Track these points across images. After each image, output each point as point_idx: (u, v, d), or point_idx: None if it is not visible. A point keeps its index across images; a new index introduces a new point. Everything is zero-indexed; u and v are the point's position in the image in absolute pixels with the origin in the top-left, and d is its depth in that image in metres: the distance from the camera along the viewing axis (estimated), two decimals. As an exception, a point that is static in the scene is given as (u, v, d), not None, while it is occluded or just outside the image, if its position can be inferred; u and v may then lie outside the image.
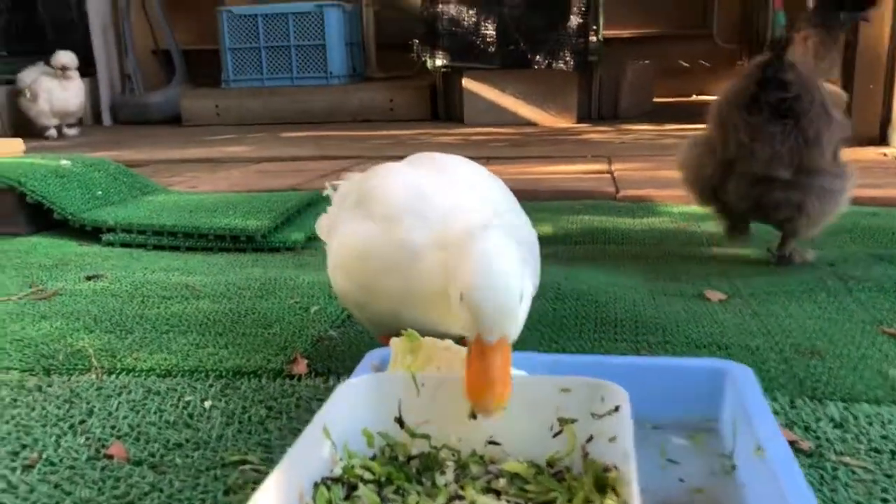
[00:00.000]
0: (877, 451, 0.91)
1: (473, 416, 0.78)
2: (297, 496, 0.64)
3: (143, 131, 5.47)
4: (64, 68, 4.91)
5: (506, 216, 0.92)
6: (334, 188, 1.22)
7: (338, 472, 0.73)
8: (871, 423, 0.97)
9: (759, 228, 1.84)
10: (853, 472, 0.86)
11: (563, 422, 0.76)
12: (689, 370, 0.88)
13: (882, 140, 3.62)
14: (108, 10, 6.12)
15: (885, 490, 0.82)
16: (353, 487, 0.71)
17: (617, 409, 0.73)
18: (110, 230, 2.14)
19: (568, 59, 4.82)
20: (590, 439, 0.75)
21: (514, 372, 0.78)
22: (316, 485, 0.69)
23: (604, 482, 0.70)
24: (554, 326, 1.34)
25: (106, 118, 6.12)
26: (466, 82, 5.06)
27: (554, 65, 4.84)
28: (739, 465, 0.78)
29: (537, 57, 4.87)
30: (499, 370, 0.71)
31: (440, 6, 4.99)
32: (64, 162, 2.44)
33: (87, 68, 5.64)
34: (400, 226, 0.91)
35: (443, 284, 0.85)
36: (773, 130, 1.55)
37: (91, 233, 2.15)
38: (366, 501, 0.69)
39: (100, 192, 2.37)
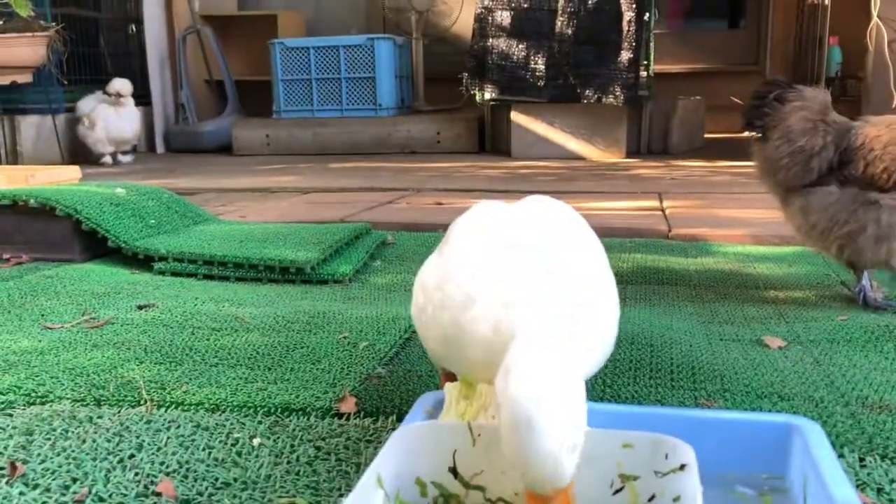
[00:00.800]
0: (956, 517, 0.85)
1: (530, 468, 0.75)
2: (351, 549, 0.62)
3: (195, 159, 5.58)
4: (118, 95, 5.05)
5: (584, 302, 0.86)
6: None
7: (390, 525, 0.71)
8: (948, 487, 0.92)
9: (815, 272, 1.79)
10: (932, 541, 0.81)
11: (624, 478, 0.73)
12: (755, 425, 0.85)
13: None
14: (164, 42, 6.29)
15: (967, 562, 0.77)
16: (407, 539, 0.69)
17: (683, 467, 0.69)
18: (162, 259, 2.16)
19: (618, 93, 4.79)
20: (652, 498, 0.72)
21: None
22: (368, 537, 0.67)
23: (667, 544, 0.67)
24: (607, 371, 1.31)
25: (159, 146, 6.25)
26: (514, 115, 5.06)
27: (604, 99, 4.82)
28: (811, 530, 0.74)
29: (587, 91, 4.85)
30: None
31: (490, 40, 5.01)
32: (119, 190, 2.49)
33: (142, 98, 5.79)
34: (460, 270, 0.88)
35: (490, 339, 0.81)
36: None
37: (143, 261, 2.18)
38: (419, 554, 0.67)
39: (153, 221, 2.40)
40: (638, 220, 2.80)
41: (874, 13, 3.62)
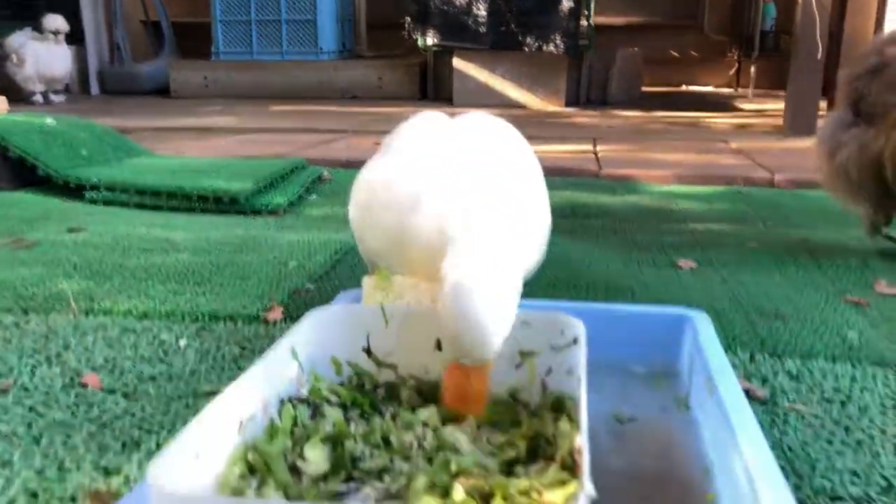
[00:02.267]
0: (828, 401, 0.94)
1: (439, 346, 0.80)
2: (262, 406, 0.67)
3: (131, 101, 5.44)
4: (56, 32, 4.89)
5: (520, 197, 0.91)
6: None
7: (304, 393, 0.75)
8: (825, 377, 1.00)
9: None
10: (803, 418, 0.89)
11: (524, 355, 0.79)
12: (651, 317, 0.91)
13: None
14: (98, -22, 6.07)
15: (831, 433, 0.85)
16: (319, 409, 0.74)
17: (575, 341, 0.75)
18: (94, 188, 2.14)
19: (559, 42, 4.82)
20: (549, 371, 0.78)
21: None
22: (282, 402, 0.71)
23: (560, 410, 0.73)
24: (526, 287, 1.36)
25: (93, 87, 6.07)
26: (457, 62, 5.06)
27: (545, 47, 4.85)
28: (693, 404, 0.81)
29: (528, 39, 4.88)
30: (476, 387, 0.71)
31: (432, -15, 4.98)
32: (49, 120, 2.44)
33: (75, 37, 5.60)
34: (407, 171, 0.90)
35: (434, 240, 0.85)
36: None
37: (74, 191, 2.16)
38: (331, 421, 0.72)
39: (84, 152, 2.37)
40: (571, 161, 2.86)
41: (803, -35, 3.71)
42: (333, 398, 0.75)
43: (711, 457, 0.69)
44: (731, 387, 0.70)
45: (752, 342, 1.12)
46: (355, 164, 2.79)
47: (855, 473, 0.77)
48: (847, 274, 1.51)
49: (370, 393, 0.79)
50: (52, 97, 5.19)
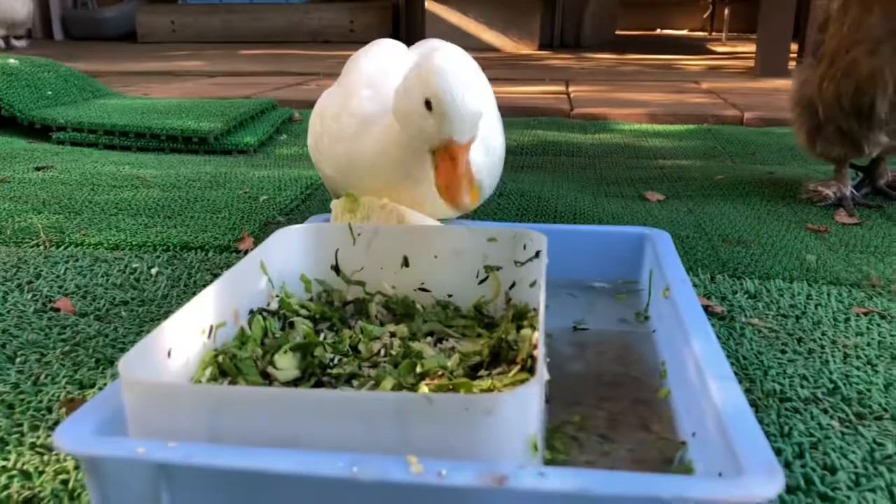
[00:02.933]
0: (783, 315, 0.97)
1: (406, 263, 0.82)
2: (233, 314, 0.68)
3: (96, 46, 5.33)
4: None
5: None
6: None
7: (273, 306, 0.77)
8: (781, 295, 1.04)
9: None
10: (759, 331, 0.92)
11: (488, 269, 0.81)
12: (614, 234, 0.94)
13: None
14: (58, -81, 5.89)
15: (784, 344, 0.89)
16: (289, 321, 0.76)
17: (537, 254, 0.77)
18: (60, 129, 2.12)
19: (531, -16, 4.78)
20: (512, 285, 0.80)
21: (440, 222, 0.82)
22: (252, 312, 0.73)
23: (522, 320, 0.76)
24: (496, 217, 1.39)
25: (57, 32, 5.94)
26: (429, 5, 5.00)
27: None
28: (652, 314, 0.84)
29: (501, -19, 4.83)
30: (468, 168, 0.78)
31: (404, -75, 4.89)
32: (11, 61, 2.39)
33: (37, -21, 5.45)
34: (354, 97, 0.94)
35: (385, 148, 0.88)
36: None
37: (40, 131, 2.13)
38: (300, 331, 0.74)
39: (49, 93, 2.33)
40: (543, 102, 2.86)
41: None
42: (303, 311, 0.77)
43: (665, 358, 0.72)
44: (685, 293, 0.73)
45: (714, 265, 1.15)
46: (327, 106, 2.78)
47: (804, 378, 0.80)
48: (809, 205, 1.54)
49: (339, 308, 0.81)
50: (14, 42, 5.07)
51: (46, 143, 2.08)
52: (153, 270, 1.09)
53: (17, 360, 0.82)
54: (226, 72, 3.77)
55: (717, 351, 0.61)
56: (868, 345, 0.89)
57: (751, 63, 3.97)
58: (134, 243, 1.21)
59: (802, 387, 0.78)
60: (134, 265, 1.11)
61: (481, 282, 0.81)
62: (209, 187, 1.58)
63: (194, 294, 1.00)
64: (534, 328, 0.73)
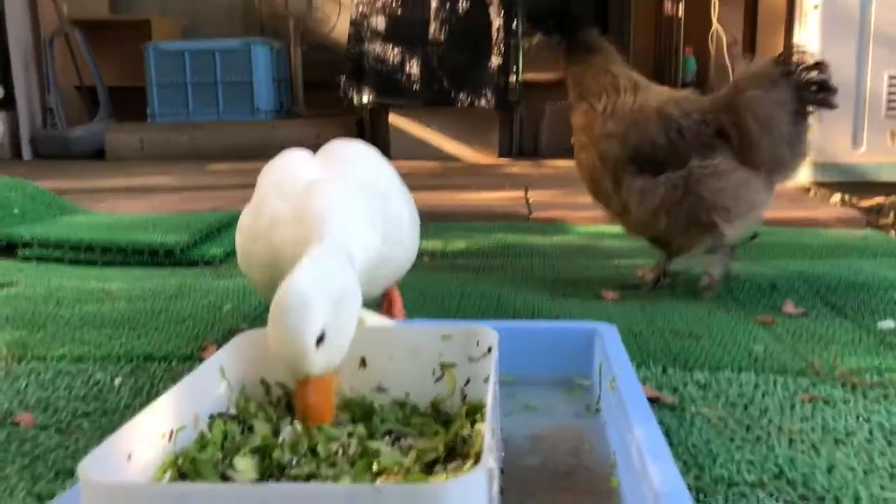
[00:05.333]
0: (732, 404, 1.01)
1: (363, 364, 0.85)
2: (193, 418, 0.70)
3: (65, 165, 5.40)
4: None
5: (368, 187, 1.00)
6: None
7: (233, 411, 0.78)
8: (730, 385, 1.08)
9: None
10: (708, 420, 0.96)
11: (444, 367, 0.84)
12: (564, 330, 0.98)
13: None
14: (29, 44, 6.06)
15: (733, 431, 0.92)
16: (249, 426, 0.77)
17: (489, 350, 0.81)
18: (26, 245, 2.14)
19: (489, 97, 4.98)
20: (467, 382, 0.83)
21: (397, 321, 0.85)
22: (212, 417, 0.74)
23: (476, 416, 0.78)
24: (455, 316, 1.42)
25: (26, 152, 6.00)
26: (392, 118, 5.18)
27: (476, 103, 5.01)
28: (603, 407, 0.87)
29: (460, 95, 5.03)
30: (313, 400, 0.75)
31: (366, 44, 5.12)
32: (-20, 181, 2.43)
33: (7, 102, 5.57)
34: (264, 202, 0.99)
35: (297, 254, 0.91)
36: None
37: (6, 249, 2.15)
38: (259, 435, 0.75)
39: (16, 211, 2.36)
40: (503, 207, 2.96)
41: (713, 19, 3.95)
42: (263, 416, 0.79)
43: (615, 448, 0.75)
44: (629, 383, 0.76)
45: (665, 357, 1.19)
46: (292, 217, 2.83)
47: (751, 463, 0.83)
48: (758, 297, 1.60)
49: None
50: (-17, 162, 5.12)
51: (11, 259, 2.10)
52: (116, 381, 1.11)
53: (-24, 474, 0.82)
54: (193, 186, 3.84)
55: (656, 437, 0.64)
56: (812, 430, 0.93)
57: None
58: (98, 355, 1.23)
59: (749, 472, 0.81)
60: (97, 377, 1.12)
61: (437, 379, 0.84)
62: (174, 298, 1.60)
63: (157, 403, 1.01)
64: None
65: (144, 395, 1.05)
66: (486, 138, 5.19)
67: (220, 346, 1.25)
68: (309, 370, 0.74)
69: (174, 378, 1.12)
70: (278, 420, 0.79)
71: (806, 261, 2.00)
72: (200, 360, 1.21)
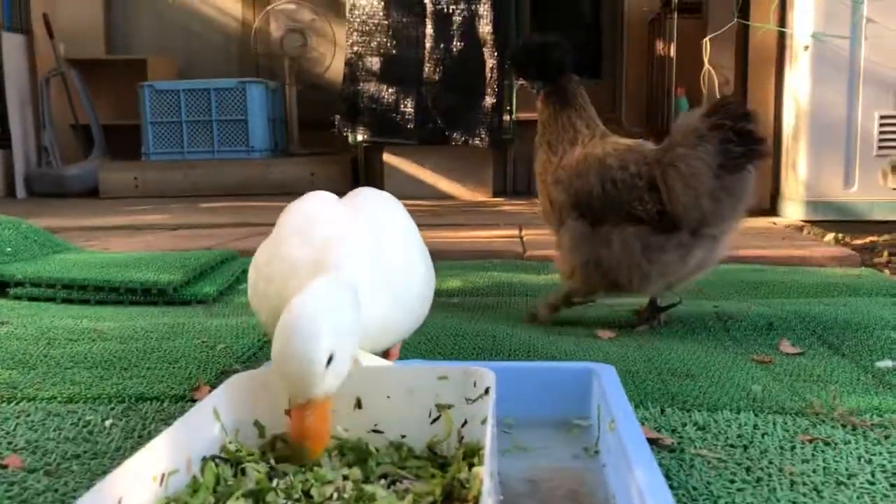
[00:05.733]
0: (731, 446, 1.00)
1: (359, 405, 0.84)
2: (185, 462, 0.69)
3: (59, 202, 5.40)
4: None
5: (384, 251, 1.00)
6: None
7: (225, 455, 0.77)
8: (729, 426, 1.07)
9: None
10: (708, 462, 0.94)
11: (440, 408, 0.83)
12: (561, 371, 0.97)
13: (773, 210, 3.88)
14: (26, 83, 6.10)
15: (733, 473, 0.91)
16: (241, 468, 0.76)
17: (487, 391, 0.80)
18: (18, 284, 2.13)
19: (483, 136, 5.02)
20: (464, 423, 0.82)
21: (392, 362, 0.84)
22: (204, 459, 0.73)
23: (473, 459, 0.77)
24: (451, 356, 1.41)
25: (20, 190, 6.01)
26: (387, 157, 5.21)
27: (470, 141, 5.04)
28: (602, 449, 0.86)
29: (454, 134, 5.07)
30: (311, 426, 0.75)
31: (361, 84, 5.16)
32: (-28, 219, 2.42)
33: (1, 141, 5.59)
34: (284, 245, 0.99)
35: None
36: None
37: (-2, 287, 2.14)
38: (253, 479, 0.74)
39: (9, 249, 2.35)
40: (498, 245, 2.96)
41: (705, 60, 4.00)
42: (255, 458, 0.78)
43: (614, 491, 0.74)
44: (629, 425, 0.75)
45: (664, 398, 1.18)
46: (286, 255, 2.83)
47: (752, 506, 0.82)
48: (754, 336, 1.60)
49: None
50: (-23, 201, 5.12)
51: (2, 298, 2.08)
52: (107, 423, 1.09)
53: (-38, 519, 0.80)
54: (188, 224, 3.84)
55: (658, 480, 0.63)
56: (814, 471, 0.91)
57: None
58: (88, 396, 1.21)
59: (751, 515, 0.80)
60: (88, 418, 1.10)
61: (434, 421, 0.83)
62: (166, 338, 1.58)
63: (148, 445, 1.00)
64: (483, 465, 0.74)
65: (136, 437, 1.03)
66: (480, 177, 5.21)
67: (212, 386, 1.24)
68: (315, 392, 0.74)
69: (166, 419, 1.10)
70: (272, 463, 0.78)
71: (801, 299, 2.01)
72: (192, 400, 1.19)
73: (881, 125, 3.46)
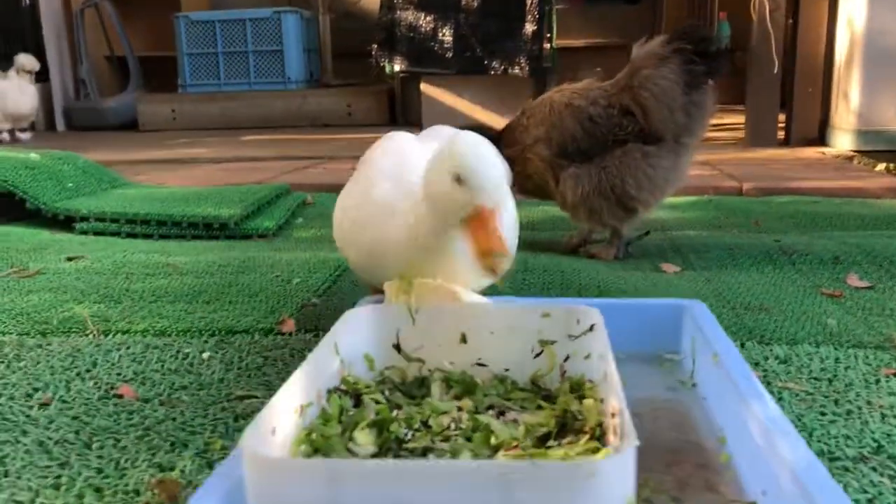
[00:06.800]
0: (816, 379, 1.02)
1: (464, 340, 0.87)
2: (316, 395, 0.72)
3: (99, 136, 5.45)
4: (28, 70, 4.92)
5: None
6: None
7: (344, 386, 0.81)
8: (811, 360, 1.09)
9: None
10: (796, 395, 0.97)
11: (543, 343, 0.85)
12: (654, 307, 0.99)
13: (821, 140, 3.82)
14: (60, 16, 6.09)
15: (823, 406, 0.93)
16: (359, 399, 0.80)
17: (592, 328, 0.82)
18: (84, 219, 2.18)
19: (523, 65, 4.95)
20: (567, 358, 0.84)
21: (496, 300, 0.87)
22: (329, 392, 0.77)
23: (581, 392, 0.80)
24: (522, 292, 1.44)
25: (59, 123, 6.06)
26: (424, 87, 5.16)
27: (510, 70, 4.98)
28: (698, 381, 0.89)
29: (493, 63, 5.00)
30: (500, 231, 0.83)
31: (398, 12, 5.08)
32: (33, 155, 2.47)
33: (40, 74, 5.61)
34: (376, 188, 1.00)
35: (413, 231, 0.93)
36: None
37: (64, 222, 2.19)
38: (371, 409, 0.78)
39: (70, 185, 2.40)
40: (546, 178, 2.95)
41: (755, -16, 3.88)
42: (372, 389, 0.81)
43: (722, 424, 0.76)
44: (735, 360, 0.78)
45: (742, 332, 1.20)
46: (336, 189, 2.85)
47: (848, 437, 0.84)
48: (820, 270, 1.60)
49: (400, 386, 0.85)
50: (19, 135, 5.18)
51: (70, 233, 2.14)
52: (204, 355, 1.13)
53: (94, 445, 0.85)
54: (231, 157, 3.87)
55: (777, 412, 0.65)
56: (902, 404, 0.93)
57: (740, 134, 4.10)
58: (179, 329, 1.25)
59: (848, 446, 0.82)
60: (186, 350, 1.15)
61: (536, 356, 0.86)
62: (240, 272, 1.62)
63: (249, 378, 1.04)
64: (596, 399, 0.77)
65: (235, 369, 1.08)
66: (518, 106, 5.17)
67: (296, 319, 1.28)
68: (502, 200, 0.85)
69: (260, 351, 1.15)
70: (386, 394, 0.82)
71: (862, 232, 2.00)
72: (280, 333, 1.24)
73: (938, 51, 3.35)
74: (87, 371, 1.07)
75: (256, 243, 2.05)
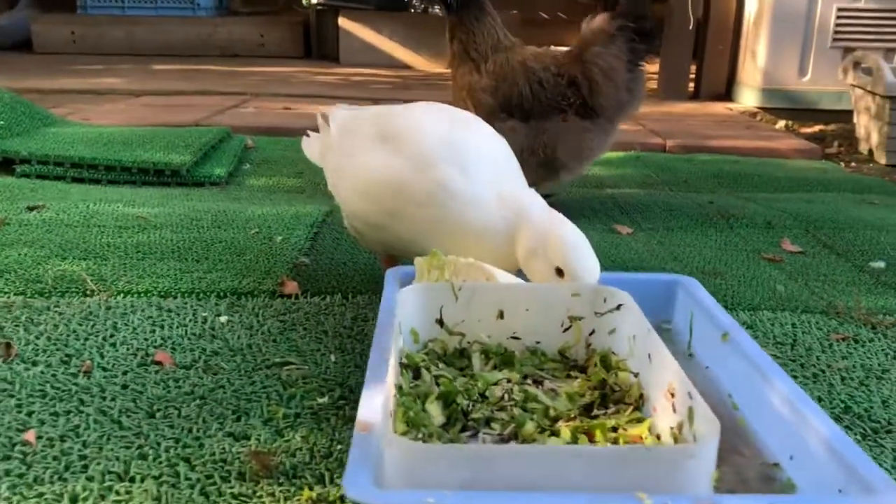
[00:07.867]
0: (781, 343, 1.17)
1: (501, 316, 0.96)
2: (395, 372, 0.80)
3: (-10, 56, 5.10)
4: None
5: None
6: (324, 116, 1.32)
7: (404, 360, 0.89)
8: (773, 325, 1.24)
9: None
10: (768, 359, 1.12)
11: (572, 319, 0.96)
12: (648, 281, 1.10)
13: (727, 96, 4.05)
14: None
15: (793, 370, 1.08)
16: (417, 371, 0.88)
17: (619, 307, 0.93)
18: (24, 161, 2.11)
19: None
20: (592, 332, 0.95)
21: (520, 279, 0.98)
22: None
23: (608, 362, 0.91)
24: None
25: (-59, 40, 5.61)
26: (343, 21, 5.09)
27: (429, 10, 4.97)
28: (697, 352, 1.01)
29: (414, 0, 4.98)
30: None
31: (317, -57, 4.96)
32: (-43, 89, 2.34)
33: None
34: (435, 169, 1.06)
35: (497, 233, 1.06)
36: None
37: (1, 164, 2.11)
38: (429, 381, 0.86)
39: (1, 122, 2.30)
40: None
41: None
42: (426, 363, 0.90)
43: (731, 391, 0.89)
44: (743, 336, 0.90)
45: (707, 297, 1.34)
46: (275, 132, 2.84)
47: (821, 399, 1.00)
48: (756, 234, 1.77)
49: (443, 357, 0.94)
50: None
51: (10, 176, 2.07)
52: (222, 318, 1.18)
53: (158, 414, 0.90)
54: (149, 91, 3.74)
55: (791, 383, 0.78)
56: (854, 367, 1.10)
57: (653, 85, 4.29)
58: (182, 290, 1.28)
59: (823, 408, 0.97)
60: (202, 314, 1.19)
61: (565, 330, 0.96)
62: (217, 227, 1.64)
63: (276, 343, 1.11)
64: (629, 372, 0.88)
65: (259, 334, 1.13)
66: (436, 46, 5.17)
67: (298, 281, 1.34)
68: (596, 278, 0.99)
69: (276, 315, 1.20)
70: (442, 366, 0.90)
71: (782, 195, 2.19)
72: (284, 295, 1.29)
73: (838, 16, 3.60)
74: (112, 336, 1.10)
75: (210, 191, 2.05)
